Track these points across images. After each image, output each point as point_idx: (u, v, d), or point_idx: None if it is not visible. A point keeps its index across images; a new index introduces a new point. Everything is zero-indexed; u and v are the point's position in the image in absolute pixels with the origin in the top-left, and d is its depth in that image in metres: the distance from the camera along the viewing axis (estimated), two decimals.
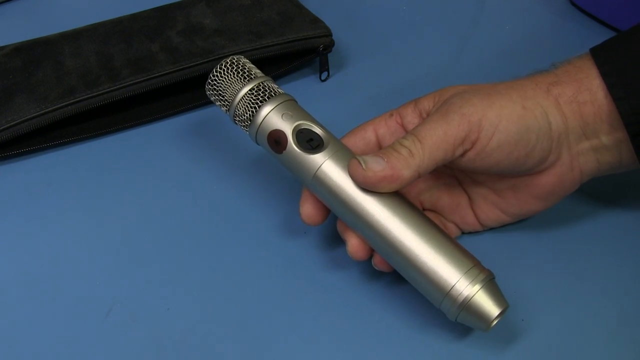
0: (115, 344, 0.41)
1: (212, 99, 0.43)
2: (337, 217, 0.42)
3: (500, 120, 0.39)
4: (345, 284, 0.44)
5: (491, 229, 0.46)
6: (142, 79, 0.52)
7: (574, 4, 0.65)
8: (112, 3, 0.67)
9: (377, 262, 0.41)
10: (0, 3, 0.68)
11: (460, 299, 0.37)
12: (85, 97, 0.51)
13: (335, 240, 0.46)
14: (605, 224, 0.47)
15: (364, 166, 0.38)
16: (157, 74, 0.53)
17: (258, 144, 0.42)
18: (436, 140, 0.38)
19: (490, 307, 0.37)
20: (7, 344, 0.41)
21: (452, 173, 0.45)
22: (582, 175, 0.42)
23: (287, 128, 0.40)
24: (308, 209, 0.42)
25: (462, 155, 0.39)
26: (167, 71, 0.53)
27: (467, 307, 0.37)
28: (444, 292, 0.37)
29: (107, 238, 0.47)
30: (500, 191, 0.43)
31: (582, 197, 0.48)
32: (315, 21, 0.57)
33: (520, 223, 0.46)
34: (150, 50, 0.54)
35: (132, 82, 0.52)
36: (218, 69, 0.42)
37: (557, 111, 0.40)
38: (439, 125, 0.38)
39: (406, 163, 0.38)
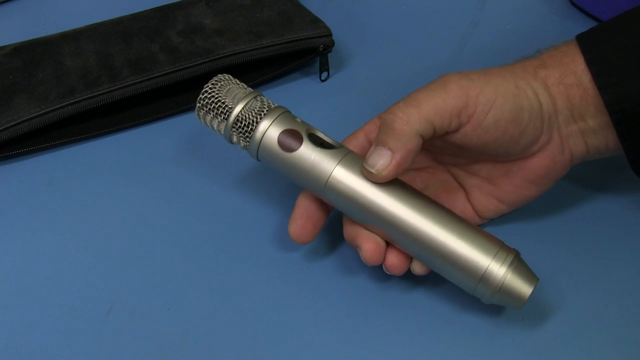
0: (115, 343, 0.41)
1: (203, 121, 0.42)
2: (341, 226, 0.42)
3: (497, 96, 0.39)
4: (344, 286, 0.44)
5: (490, 221, 0.46)
6: (142, 79, 0.52)
7: (573, 4, 0.65)
8: (112, 3, 0.67)
9: (389, 266, 0.41)
10: (0, 3, 0.68)
11: (494, 282, 0.38)
12: (85, 97, 0.51)
13: (334, 242, 0.46)
14: (604, 218, 0.47)
15: (373, 171, 0.38)
16: (157, 74, 0.53)
17: (259, 160, 0.41)
18: (434, 105, 0.38)
19: (523, 286, 0.38)
20: (7, 343, 0.41)
21: (446, 168, 0.45)
22: (573, 158, 0.42)
23: (300, 129, 0.40)
24: (296, 229, 0.42)
25: (458, 130, 0.39)
26: (167, 71, 0.53)
27: (502, 289, 0.38)
28: (477, 278, 0.38)
29: (107, 238, 0.47)
30: (495, 179, 0.43)
31: (579, 190, 0.48)
32: (315, 21, 0.57)
33: (519, 220, 0.46)
34: (150, 50, 0.54)
35: (132, 82, 0.52)
36: (210, 86, 0.41)
37: (545, 92, 0.40)
38: (438, 93, 0.39)
39: (405, 135, 0.38)
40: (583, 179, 0.47)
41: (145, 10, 0.58)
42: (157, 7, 0.59)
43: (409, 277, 0.42)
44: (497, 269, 0.38)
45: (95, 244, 0.47)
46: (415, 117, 0.38)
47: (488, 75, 0.40)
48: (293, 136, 0.40)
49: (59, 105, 0.51)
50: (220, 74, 0.43)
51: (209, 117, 0.42)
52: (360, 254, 0.41)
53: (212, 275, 0.45)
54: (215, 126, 0.42)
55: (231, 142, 0.42)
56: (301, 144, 0.39)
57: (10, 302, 0.44)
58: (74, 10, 0.68)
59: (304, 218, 0.42)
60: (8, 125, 0.50)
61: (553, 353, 0.40)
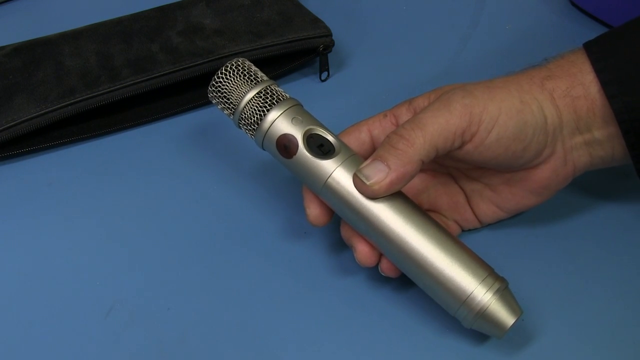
0: (115, 344, 0.41)
1: (214, 101, 0.43)
2: (339, 223, 0.42)
3: (500, 114, 0.39)
4: (346, 285, 0.44)
5: (489, 225, 0.46)
6: (142, 79, 0.52)
7: (574, 4, 0.65)
8: (112, 3, 0.67)
9: (385, 269, 0.41)
10: (0, 3, 0.68)
11: (477, 308, 0.37)
12: (85, 97, 0.51)
13: (336, 243, 0.46)
14: (603, 219, 0.47)
15: (367, 182, 0.38)
16: (157, 74, 0.53)
17: (264, 149, 0.42)
18: (438, 127, 0.38)
19: (505, 316, 0.37)
20: (7, 344, 0.41)
21: (447, 171, 0.45)
22: (575, 169, 0.42)
23: (297, 133, 0.40)
24: (315, 211, 0.41)
25: (460, 147, 0.39)
26: (167, 71, 0.53)
27: (483, 315, 0.37)
28: (460, 301, 0.38)
29: (107, 238, 0.47)
30: (495, 186, 0.43)
31: (580, 192, 0.48)
32: (315, 21, 0.57)
33: (518, 221, 0.46)
34: (150, 50, 0.54)
35: (132, 82, 0.52)
36: (223, 71, 0.42)
37: (552, 105, 0.40)
38: (441, 114, 0.38)
39: (406, 157, 0.38)
40: (583, 184, 0.47)
41: (145, 10, 0.58)
42: (157, 7, 0.59)
43: (405, 277, 0.42)
44: (482, 294, 0.37)
45: (95, 244, 0.47)
46: (420, 140, 0.38)
47: (492, 91, 0.40)
48: (288, 142, 0.40)
49: (59, 105, 0.51)
50: (235, 59, 0.42)
51: (219, 107, 0.43)
52: (355, 254, 0.41)
53: (212, 275, 0.45)
54: (226, 114, 0.43)
55: (240, 129, 0.42)
56: (295, 152, 0.39)
57: (11, 301, 0.44)
58: (74, 10, 0.68)
59: (317, 200, 0.41)
60: (8, 125, 0.50)
61: (554, 353, 0.40)
